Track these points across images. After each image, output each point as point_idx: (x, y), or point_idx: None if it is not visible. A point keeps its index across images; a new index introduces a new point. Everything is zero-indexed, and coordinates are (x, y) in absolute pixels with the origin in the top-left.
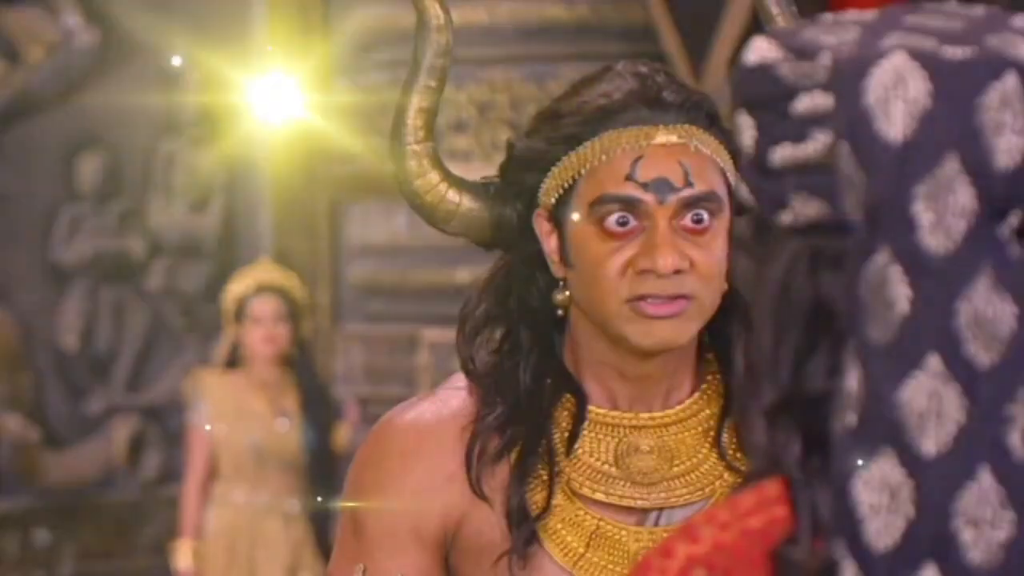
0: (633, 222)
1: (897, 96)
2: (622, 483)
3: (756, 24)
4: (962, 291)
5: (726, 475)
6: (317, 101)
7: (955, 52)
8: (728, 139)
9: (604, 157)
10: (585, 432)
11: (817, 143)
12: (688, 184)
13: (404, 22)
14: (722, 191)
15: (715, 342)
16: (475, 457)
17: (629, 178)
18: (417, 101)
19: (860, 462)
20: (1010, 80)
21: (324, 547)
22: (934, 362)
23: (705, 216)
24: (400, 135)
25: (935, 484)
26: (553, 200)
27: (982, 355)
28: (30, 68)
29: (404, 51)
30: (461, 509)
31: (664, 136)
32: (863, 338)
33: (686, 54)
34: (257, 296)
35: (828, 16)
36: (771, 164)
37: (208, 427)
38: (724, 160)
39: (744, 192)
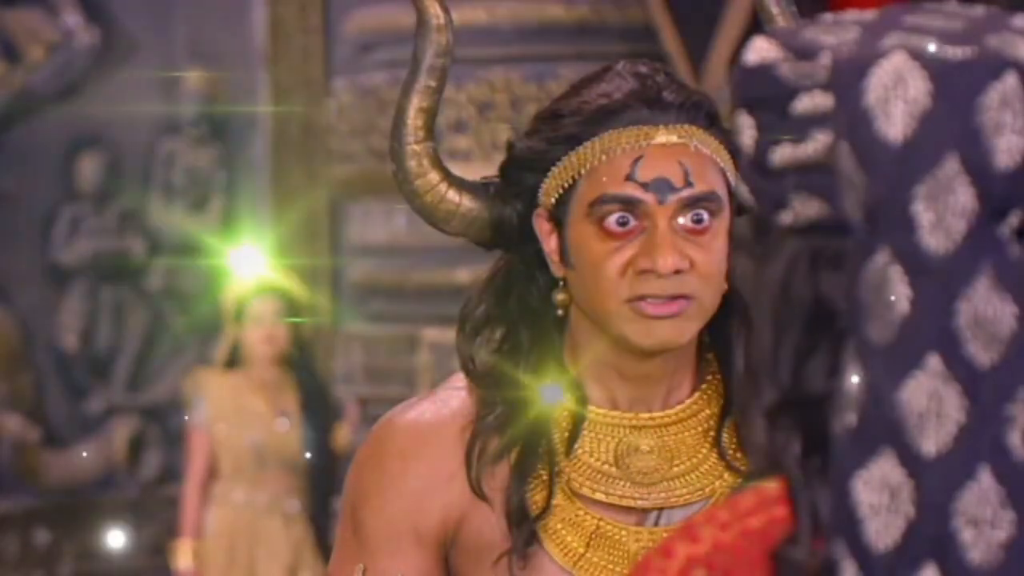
0: (633, 222)
1: (897, 96)
2: (622, 483)
3: (756, 24)
4: (962, 291)
5: (726, 475)
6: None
7: (955, 52)
8: (728, 139)
9: (604, 157)
10: (585, 432)
11: (817, 143)
12: (688, 184)
13: (404, 22)
14: (722, 191)
15: (715, 342)
16: (475, 457)
17: (629, 178)
18: (417, 101)
19: (860, 462)
20: (1010, 80)
21: (324, 547)
22: (934, 362)
23: (705, 216)
24: (400, 135)
25: (935, 484)
26: (553, 200)
27: (982, 355)
28: (30, 68)
29: (404, 51)
30: (461, 509)
31: (664, 136)
32: (863, 338)
33: (686, 54)
34: (257, 296)
35: (828, 16)
36: (771, 164)
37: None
38: (724, 160)
39: (744, 192)
